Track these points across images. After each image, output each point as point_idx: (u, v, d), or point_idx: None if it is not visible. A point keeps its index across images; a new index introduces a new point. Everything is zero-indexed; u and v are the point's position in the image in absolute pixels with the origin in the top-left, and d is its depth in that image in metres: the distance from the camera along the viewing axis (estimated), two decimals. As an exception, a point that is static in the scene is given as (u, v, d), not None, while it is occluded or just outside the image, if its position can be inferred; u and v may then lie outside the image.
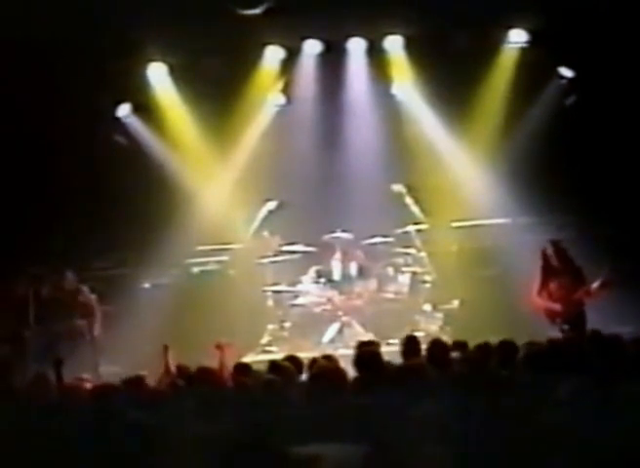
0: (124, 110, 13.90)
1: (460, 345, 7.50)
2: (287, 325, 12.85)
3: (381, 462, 4.97)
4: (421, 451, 5.01)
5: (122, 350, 11.77)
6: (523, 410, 5.26)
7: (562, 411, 5.15)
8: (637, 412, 5.04)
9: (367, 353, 7.03)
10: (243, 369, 7.48)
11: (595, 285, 10.11)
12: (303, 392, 6.21)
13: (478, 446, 5.00)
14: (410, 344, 7.80)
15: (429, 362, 6.84)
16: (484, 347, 7.21)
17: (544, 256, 10.46)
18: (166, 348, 8.74)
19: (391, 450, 5.02)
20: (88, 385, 7.70)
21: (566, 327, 10.11)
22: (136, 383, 7.10)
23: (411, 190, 13.32)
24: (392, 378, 6.15)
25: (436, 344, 7.53)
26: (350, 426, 5.33)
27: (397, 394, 5.64)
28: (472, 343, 7.53)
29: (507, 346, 7.07)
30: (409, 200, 13.27)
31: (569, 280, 10.32)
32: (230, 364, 8.05)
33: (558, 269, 10.39)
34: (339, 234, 13.11)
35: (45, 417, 5.86)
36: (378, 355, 6.95)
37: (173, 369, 8.28)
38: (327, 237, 13.17)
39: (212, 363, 8.02)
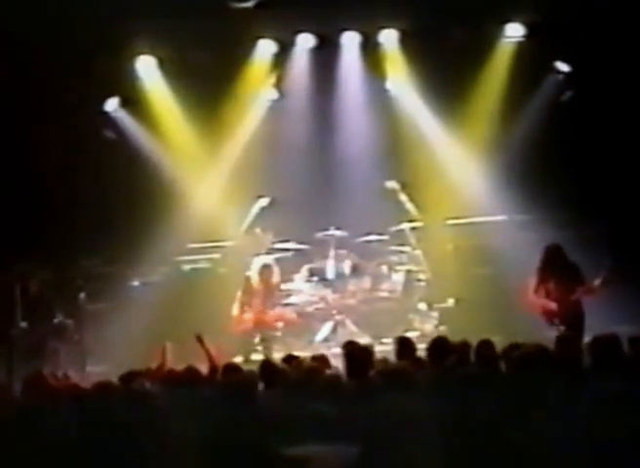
0: (112, 104, 13.77)
1: (462, 346, 7.36)
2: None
3: (369, 463, 4.93)
4: (411, 451, 4.96)
5: (111, 349, 11.66)
6: (520, 410, 5.21)
7: (557, 412, 5.09)
8: (631, 412, 4.97)
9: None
10: (232, 369, 7.33)
11: (596, 282, 9.97)
12: (292, 393, 6.11)
13: (474, 444, 4.95)
14: (403, 344, 7.77)
15: (429, 361, 6.79)
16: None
17: (542, 255, 10.32)
18: (164, 347, 8.55)
19: (380, 451, 4.98)
20: (84, 384, 7.53)
21: (563, 326, 9.97)
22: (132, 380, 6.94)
23: (405, 187, 13.25)
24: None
25: (438, 343, 7.40)
26: (339, 428, 5.27)
27: (387, 394, 5.60)
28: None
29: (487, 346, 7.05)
30: (403, 197, 13.21)
31: (566, 279, 10.20)
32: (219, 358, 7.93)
33: (555, 268, 10.25)
34: (332, 232, 13.05)
35: (38, 417, 5.81)
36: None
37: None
38: (320, 235, 13.11)
39: (200, 362, 7.87)
